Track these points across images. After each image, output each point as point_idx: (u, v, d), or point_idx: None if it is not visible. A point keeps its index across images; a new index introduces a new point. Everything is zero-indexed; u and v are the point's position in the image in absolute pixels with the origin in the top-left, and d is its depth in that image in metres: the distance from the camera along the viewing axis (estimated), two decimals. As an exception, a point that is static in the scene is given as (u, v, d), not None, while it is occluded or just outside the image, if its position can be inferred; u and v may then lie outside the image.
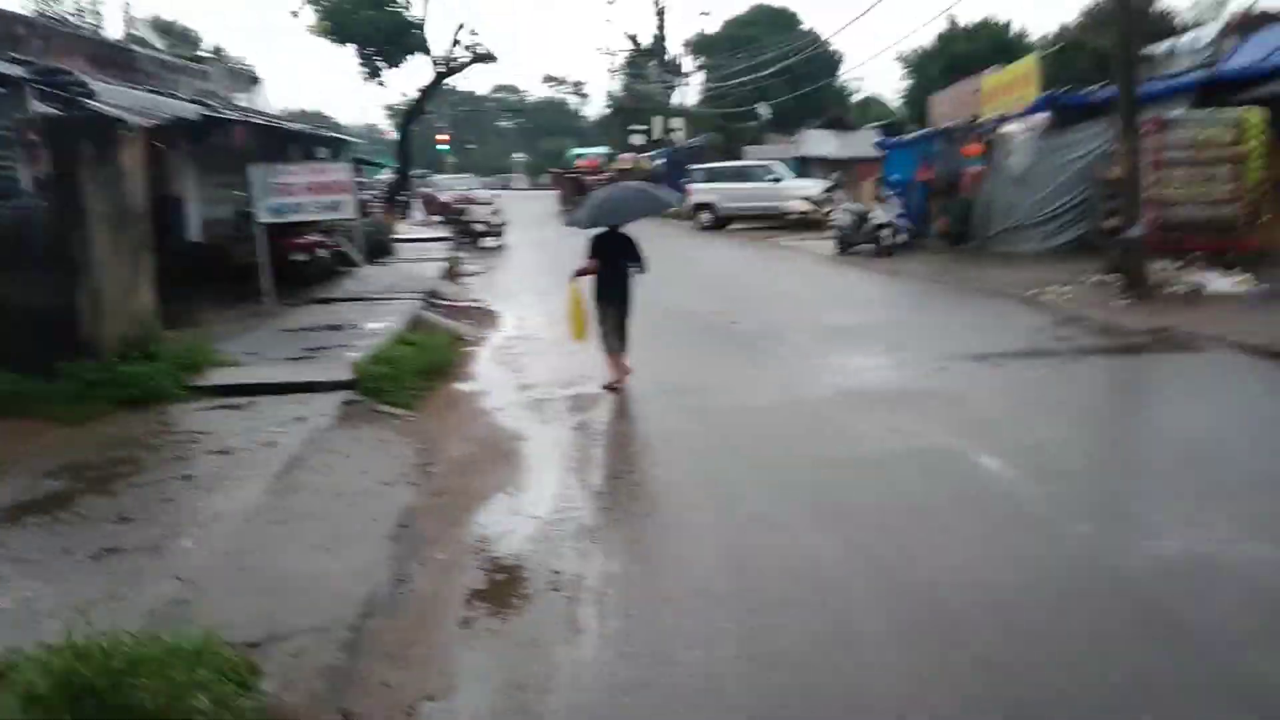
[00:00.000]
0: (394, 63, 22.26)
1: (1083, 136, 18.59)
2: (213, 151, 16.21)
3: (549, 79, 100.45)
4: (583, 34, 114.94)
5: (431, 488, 5.75)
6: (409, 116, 25.31)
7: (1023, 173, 19.01)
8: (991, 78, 22.25)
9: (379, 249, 21.70)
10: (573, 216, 9.36)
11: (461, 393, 8.55)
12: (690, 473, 5.95)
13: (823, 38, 48.47)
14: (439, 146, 75.70)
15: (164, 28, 55.35)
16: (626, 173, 44.19)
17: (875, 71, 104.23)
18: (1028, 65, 20.35)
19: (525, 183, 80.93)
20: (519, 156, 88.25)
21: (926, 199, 22.17)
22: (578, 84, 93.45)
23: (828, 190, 29.39)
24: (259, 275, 13.03)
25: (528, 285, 16.17)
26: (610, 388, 8.32)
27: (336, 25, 21.43)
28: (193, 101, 16.32)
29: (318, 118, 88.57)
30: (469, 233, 25.67)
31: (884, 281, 15.80)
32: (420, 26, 22.36)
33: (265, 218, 12.91)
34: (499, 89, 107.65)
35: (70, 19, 30.58)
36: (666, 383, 8.47)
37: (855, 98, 56.06)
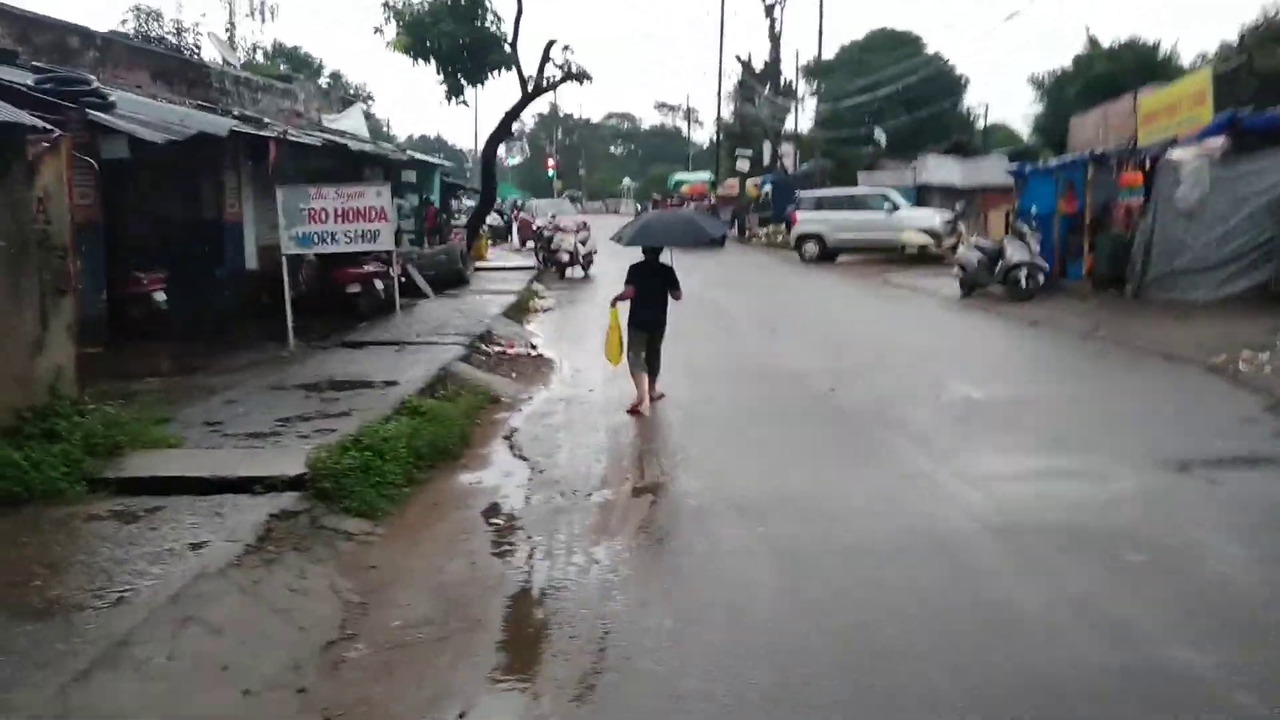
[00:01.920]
0: (476, 80, 20.62)
1: (1271, 165, 15.45)
2: (280, 173, 14.71)
3: (661, 105, 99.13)
4: (699, 61, 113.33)
5: (328, 699, 3.59)
6: (495, 138, 23.65)
7: (1194, 206, 15.91)
8: (1153, 96, 19.09)
9: (453, 279, 20.06)
10: (618, 233, 9.73)
11: (459, 491, 6.42)
12: (747, 696, 3.62)
13: (946, 59, 45.40)
14: (547, 172, 75.28)
15: (285, 53, 56.30)
16: (730, 199, 42.07)
17: (1002, 96, 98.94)
18: (1199, 82, 17.21)
19: (633, 209, 79.86)
20: (628, 182, 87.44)
21: (1068, 234, 19.17)
22: (690, 110, 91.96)
23: (950, 221, 26.49)
24: (285, 311, 11.32)
25: (599, 326, 14.04)
26: (632, 411, 8.47)
27: (416, 40, 19.91)
28: (241, 118, 14.88)
29: (436, 144, 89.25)
30: (554, 262, 23.88)
31: (1024, 336, 13.06)
32: (506, 42, 20.66)
33: (291, 248, 11.18)
34: (612, 115, 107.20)
35: (167, 38, 30.29)
36: (735, 491, 6.14)
37: (980, 123, 52.47)
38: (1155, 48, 40.89)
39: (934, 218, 26.44)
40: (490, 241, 35.32)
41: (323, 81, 53.18)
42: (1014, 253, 17.02)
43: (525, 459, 7.15)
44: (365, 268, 14.53)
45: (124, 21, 31.49)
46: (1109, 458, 6.74)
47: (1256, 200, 15.51)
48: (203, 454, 6.28)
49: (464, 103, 21.00)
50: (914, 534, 5.34)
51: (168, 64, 18.06)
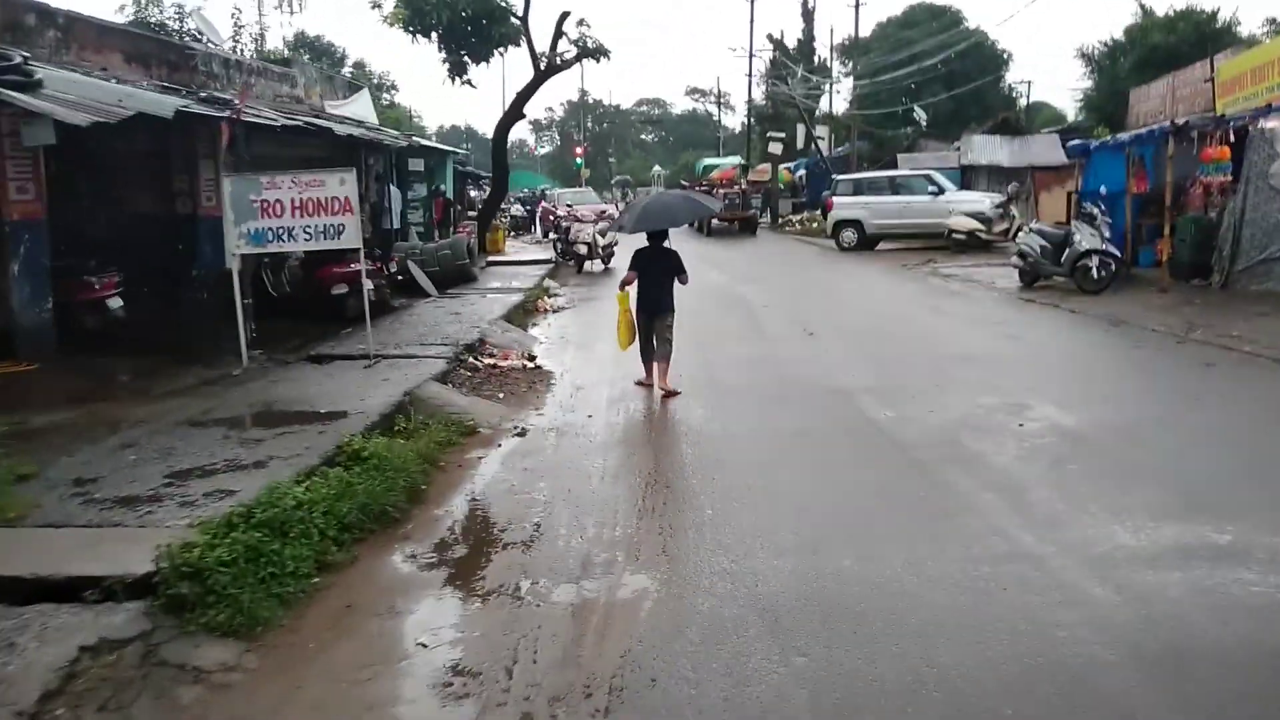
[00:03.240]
0: (481, 57, 18.91)
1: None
2: (266, 162, 13.19)
3: (693, 91, 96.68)
4: (731, 40, 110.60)
5: None
6: (506, 121, 21.95)
7: (1292, 184, 13.89)
8: (1234, 61, 17.00)
9: (460, 275, 18.44)
10: (618, 220, 10.34)
11: (387, 582, 4.72)
12: None
13: (986, 34, 43.01)
14: (575, 160, 73.71)
15: (307, 43, 55.02)
16: (761, 184, 40.11)
17: (1044, 74, 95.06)
18: (1295, 40, 15.12)
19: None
20: (658, 170, 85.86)
21: (1139, 216, 17.10)
22: (721, 95, 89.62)
23: (1000, 205, 24.42)
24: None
25: (611, 327, 12.38)
26: (641, 384, 8.81)
27: (414, 12, 18.24)
28: (211, 100, 13.30)
29: (465, 134, 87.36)
30: (572, 254, 22.22)
31: (1107, 338, 11.12)
32: (514, 15, 18.93)
33: (242, 247, 9.58)
34: (643, 102, 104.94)
35: (168, 23, 28.93)
36: (764, 584, 4.38)
37: (1022, 101, 49.94)
38: (1214, 16, 38.36)
39: (983, 201, 24.39)
40: (511, 233, 33.67)
41: (345, 71, 51.88)
42: (1082, 239, 15.06)
43: (488, 525, 5.47)
44: (353, 266, 12.97)
45: (122, 7, 30.08)
46: (1273, 530, 4.92)
47: (1367, 176, 13.47)
48: (41, 535, 4.66)
49: (469, 83, 19.30)
50: (1028, 669, 3.58)
51: (143, 45, 16.51)
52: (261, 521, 4.65)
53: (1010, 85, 49.53)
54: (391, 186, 19.24)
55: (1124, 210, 16.73)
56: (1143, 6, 38.85)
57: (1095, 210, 15.57)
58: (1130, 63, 37.11)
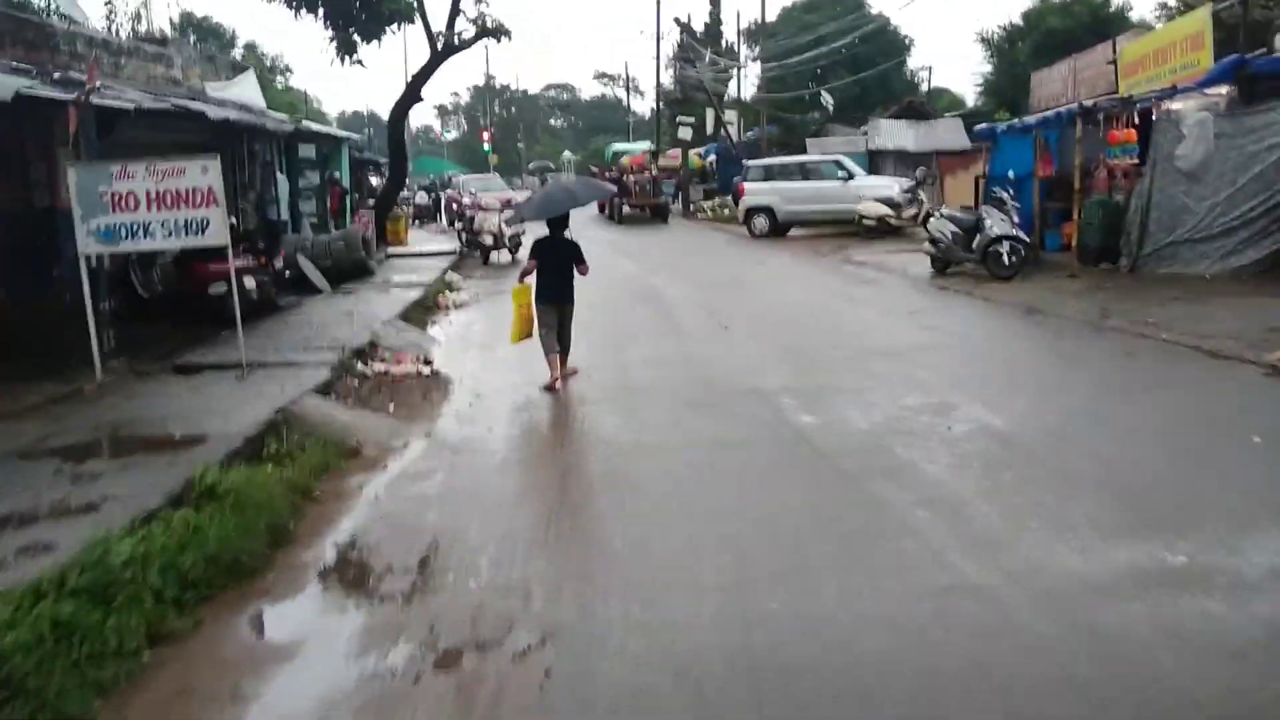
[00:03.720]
0: (372, 35, 17.83)
1: (1285, 116, 13.49)
2: (136, 149, 11.94)
3: (601, 75, 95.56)
4: (638, 22, 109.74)
5: None
6: (403, 105, 20.86)
7: (1197, 165, 13.95)
8: (1138, 43, 17.14)
9: (356, 269, 17.40)
10: (518, 211, 10.79)
11: (235, 655, 3.96)
12: None
13: (889, 18, 43.38)
14: (484, 146, 72.13)
15: (193, 24, 52.13)
16: (672, 170, 39.62)
17: (943, 59, 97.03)
18: (1196, 23, 15.25)
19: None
20: (568, 155, 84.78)
21: (1045, 200, 17.10)
22: (630, 79, 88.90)
23: (909, 190, 24.40)
24: (92, 330, 8.70)
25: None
26: (548, 388, 8.32)
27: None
28: (62, 81, 12.02)
29: (369, 119, 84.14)
30: (477, 245, 21.35)
31: (1025, 328, 10.88)
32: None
33: (91, 246, 8.54)
34: (551, 87, 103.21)
35: (31, 3, 26.83)
36: (679, 636, 3.78)
37: (924, 86, 50.62)
38: (1106, 3, 39.40)
39: (892, 187, 24.32)
40: (415, 222, 32.39)
41: (236, 54, 49.26)
42: (993, 224, 14.90)
43: (364, 573, 4.74)
44: (232, 261, 11.91)
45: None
46: (1235, 540, 4.54)
47: (1267, 157, 13.58)
48: None
49: (359, 63, 18.18)
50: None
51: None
52: (79, 587, 3.85)
53: (912, 71, 50.22)
54: (279, 175, 18.04)
55: (1031, 194, 16.72)
56: (1041, -7, 39.64)
57: (1004, 195, 15.47)
58: (1028, 47, 37.85)
